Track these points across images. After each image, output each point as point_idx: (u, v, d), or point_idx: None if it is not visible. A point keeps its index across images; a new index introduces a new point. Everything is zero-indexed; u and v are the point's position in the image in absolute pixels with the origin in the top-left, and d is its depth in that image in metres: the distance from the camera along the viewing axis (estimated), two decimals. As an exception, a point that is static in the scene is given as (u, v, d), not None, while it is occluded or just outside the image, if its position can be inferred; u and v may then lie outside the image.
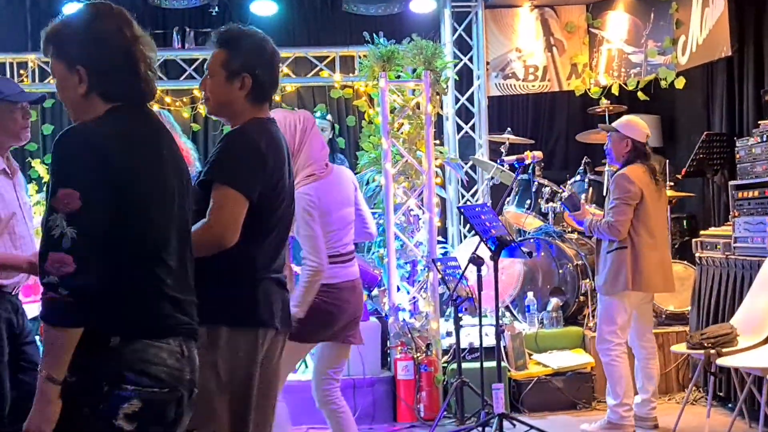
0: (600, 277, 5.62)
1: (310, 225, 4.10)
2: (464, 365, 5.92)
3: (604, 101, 8.09)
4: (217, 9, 7.86)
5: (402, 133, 6.65)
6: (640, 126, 5.71)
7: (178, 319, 2.39)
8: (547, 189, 7.08)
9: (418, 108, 6.66)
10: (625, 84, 8.62)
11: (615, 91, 8.62)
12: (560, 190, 6.98)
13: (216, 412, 2.94)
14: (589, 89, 8.89)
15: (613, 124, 5.77)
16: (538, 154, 6.32)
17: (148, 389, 2.29)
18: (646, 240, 5.53)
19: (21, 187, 4.09)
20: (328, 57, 8.73)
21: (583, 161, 7.33)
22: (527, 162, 6.29)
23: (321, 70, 8.73)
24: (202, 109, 8.86)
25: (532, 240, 7.21)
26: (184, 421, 2.44)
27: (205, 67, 3.15)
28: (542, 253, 7.18)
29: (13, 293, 3.95)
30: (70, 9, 2.50)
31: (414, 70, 6.68)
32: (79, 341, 2.24)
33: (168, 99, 8.84)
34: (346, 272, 4.34)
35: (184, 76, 8.60)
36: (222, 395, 2.95)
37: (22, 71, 8.41)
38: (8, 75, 8.32)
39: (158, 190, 2.40)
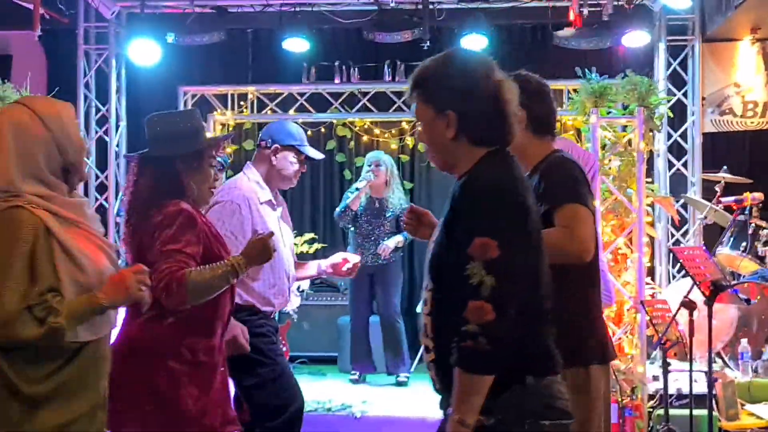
0: None
1: None
2: (671, 412, 5.70)
3: (831, 140, 7.65)
4: (428, 43, 7.98)
5: (610, 168, 6.52)
6: None
7: (558, 355, 2.49)
8: (765, 231, 6.75)
9: (630, 145, 6.51)
10: None
11: (844, 129, 8.14)
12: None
13: None
14: (814, 127, 8.43)
15: None
16: (759, 195, 6.04)
17: (559, 421, 2.39)
18: None
19: (285, 216, 4.42)
20: (536, 91, 8.69)
21: (807, 204, 6.94)
22: (746, 203, 6.03)
23: (529, 103, 8.70)
24: (409, 141, 9.03)
25: (746, 285, 6.88)
26: None
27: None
28: (758, 298, 6.83)
29: (272, 316, 4.26)
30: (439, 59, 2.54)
31: (625, 106, 6.54)
32: (494, 385, 2.30)
33: (377, 131, 9.05)
34: None
35: (393, 109, 8.79)
36: None
37: (242, 102, 8.85)
38: (229, 105, 8.80)
39: (539, 229, 2.48)
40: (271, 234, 3.40)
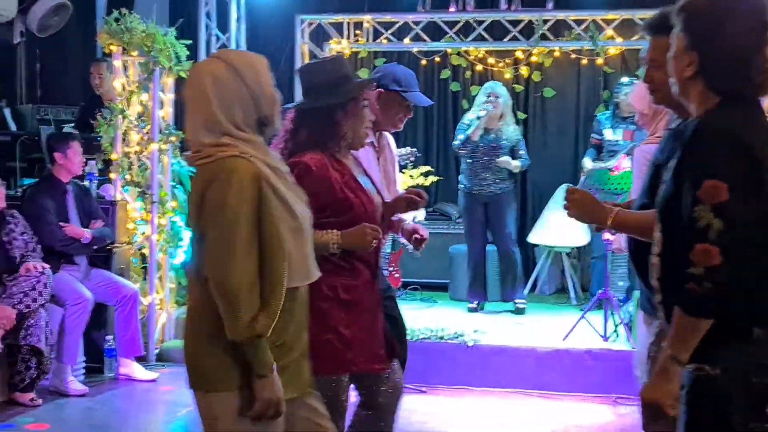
0: None
1: None
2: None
3: None
4: (547, -28, 7.90)
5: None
6: None
7: None
8: None
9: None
10: None
11: None
12: None
13: None
14: None
15: None
16: None
17: None
18: None
19: (389, 158, 4.41)
20: (657, 19, 8.51)
21: None
22: None
23: (647, 32, 8.53)
24: (524, 71, 8.97)
25: None
26: None
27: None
28: None
29: None
30: None
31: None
32: (719, 333, 2.28)
33: (491, 60, 9.03)
34: None
35: (508, 38, 8.71)
36: None
37: (357, 31, 8.92)
38: (345, 34, 8.88)
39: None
40: (378, 232, 3.39)
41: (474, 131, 7.31)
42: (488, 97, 7.42)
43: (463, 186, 7.65)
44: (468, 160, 7.54)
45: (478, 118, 7.35)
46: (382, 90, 4.20)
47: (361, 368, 3.47)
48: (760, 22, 2.36)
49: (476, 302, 7.66)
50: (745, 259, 2.23)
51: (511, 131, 7.54)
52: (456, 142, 7.52)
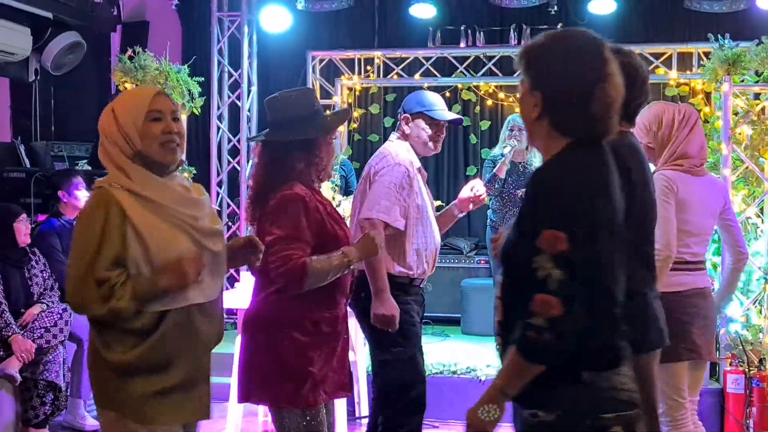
0: None
1: (665, 207, 3.85)
2: (800, 384, 5.65)
3: None
4: (555, 8, 7.95)
5: (742, 136, 6.41)
6: None
7: (627, 349, 2.41)
8: None
9: (763, 113, 6.39)
10: None
11: None
12: None
13: None
14: None
15: None
16: None
17: (622, 413, 2.32)
18: None
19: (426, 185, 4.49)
20: (665, 54, 8.58)
21: None
22: None
23: (657, 67, 8.59)
24: (534, 105, 9.01)
25: None
26: None
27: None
28: None
29: (420, 285, 4.37)
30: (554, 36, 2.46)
31: (759, 73, 6.41)
32: (550, 378, 2.29)
33: (501, 95, 9.09)
34: (693, 279, 4.07)
35: (518, 73, 8.72)
36: None
37: (368, 67, 9.00)
38: (356, 70, 8.96)
39: (610, 226, 2.33)
40: (381, 236, 3.55)
41: (500, 168, 7.18)
42: (511, 131, 7.26)
43: (491, 221, 7.51)
44: (497, 196, 7.39)
45: (502, 155, 7.25)
46: (408, 115, 4.28)
47: (331, 397, 3.49)
48: (597, 58, 2.36)
49: None
50: (582, 306, 2.22)
51: (539, 161, 7.43)
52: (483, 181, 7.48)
